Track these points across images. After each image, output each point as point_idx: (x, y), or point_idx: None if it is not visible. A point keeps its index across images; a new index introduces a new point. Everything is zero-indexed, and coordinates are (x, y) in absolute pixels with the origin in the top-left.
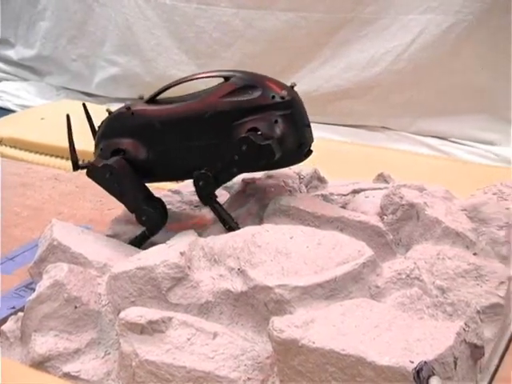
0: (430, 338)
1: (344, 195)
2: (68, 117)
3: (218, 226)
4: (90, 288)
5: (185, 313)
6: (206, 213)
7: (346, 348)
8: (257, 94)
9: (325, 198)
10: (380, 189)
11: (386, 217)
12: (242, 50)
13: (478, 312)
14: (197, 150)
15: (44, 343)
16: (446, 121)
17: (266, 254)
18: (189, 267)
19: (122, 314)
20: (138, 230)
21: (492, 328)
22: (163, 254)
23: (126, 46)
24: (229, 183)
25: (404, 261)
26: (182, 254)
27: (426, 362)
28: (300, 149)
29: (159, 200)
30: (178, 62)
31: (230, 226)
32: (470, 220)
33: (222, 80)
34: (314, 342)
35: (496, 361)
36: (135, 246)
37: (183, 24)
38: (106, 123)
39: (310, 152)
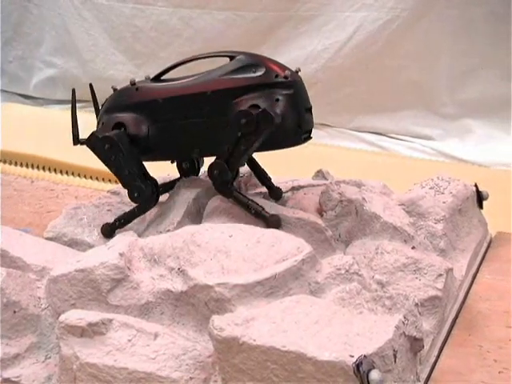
0: (369, 332)
1: (283, 193)
2: (73, 91)
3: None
4: (29, 292)
5: (125, 314)
6: (147, 212)
7: (286, 344)
8: (260, 72)
9: (264, 195)
10: (319, 185)
11: (325, 213)
12: (180, 50)
13: (417, 305)
14: (197, 128)
15: None
16: (383, 117)
17: (205, 253)
18: (129, 268)
19: (62, 317)
20: (78, 231)
21: (431, 320)
22: (102, 256)
23: (63, 47)
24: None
25: (343, 256)
26: (121, 254)
27: (365, 356)
28: (299, 130)
29: (153, 179)
30: (116, 62)
31: (255, 211)
32: (408, 214)
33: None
34: (254, 340)
35: (436, 352)
36: (121, 223)
37: (120, 24)
38: (110, 98)
39: (309, 137)
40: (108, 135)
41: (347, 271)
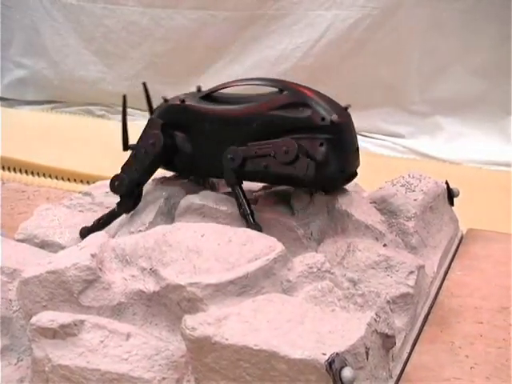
0: (341, 330)
1: (255, 192)
2: (124, 97)
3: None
4: (1, 294)
5: (97, 315)
6: None
7: (258, 343)
8: (307, 113)
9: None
10: None
11: (296, 212)
12: (151, 49)
13: (389, 302)
14: None
15: None
16: (354, 115)
17: (177, 253)
18: (100, 269)
19: (34, 319)
20: (49, 233)
21: (403, 317)
22: (74, 257)
23: (33, 47)
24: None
25: (315, 255)
26: (93, 255)
27: (337, 354)
28: (343, 173)
29: (141, 190)
30: (87, 62)
31: (242, 210)
32: (380, 212)
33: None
34: (226, 339)
35: (408, 349)
36: (102, 224)
37: (90, 24)
38: (160, 111)
39: (353, 176)
40: (160, 136)
41: (319, 269)
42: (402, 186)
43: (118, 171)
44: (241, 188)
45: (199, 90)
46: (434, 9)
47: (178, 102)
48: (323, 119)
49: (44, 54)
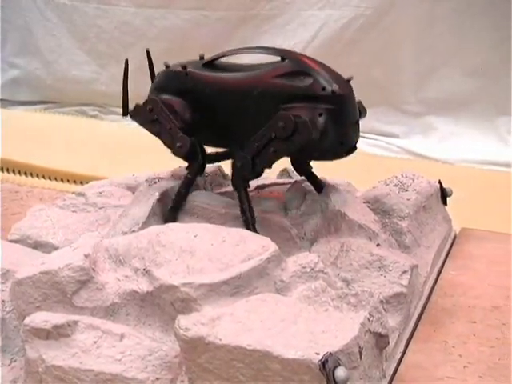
0: (335, 330)
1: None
2: (126, 61)
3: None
4: None
5: (91, 316)
6: (112, 213)
7: (252, 343)
8: (308, 82)
9: (229, 195)
10: (284, 184)
11: (290, 211)
12: (144, 50)
13: (382, 302)
14: (238, 123)
15: None
16: None
17: (170, 253)
18: (93, 269)
19: (27, 320)
20: (42, 233)
21: (396, 317)
22: (67, 257)
23: (27, 48)
24: (133, 183)
25: (308, 254)
26: (86, 256)
27: (331, 354)
28: (342, 146)
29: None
30: (80, 62)
31: (245, 218)
32: (373, 212)
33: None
34: (220, 339)
35: (401, 348)
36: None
37: (83, 24)
38: (161, 77)
39: (353, 149)
40: (151, 98)
41: (312, 269)
42: (395, 185)
43: (113, 171)
44: (246, 192)
45: (202, 57)
46: (427, 8)
47: (180, 69)
48: (324, 89)
49: (37, 55)
